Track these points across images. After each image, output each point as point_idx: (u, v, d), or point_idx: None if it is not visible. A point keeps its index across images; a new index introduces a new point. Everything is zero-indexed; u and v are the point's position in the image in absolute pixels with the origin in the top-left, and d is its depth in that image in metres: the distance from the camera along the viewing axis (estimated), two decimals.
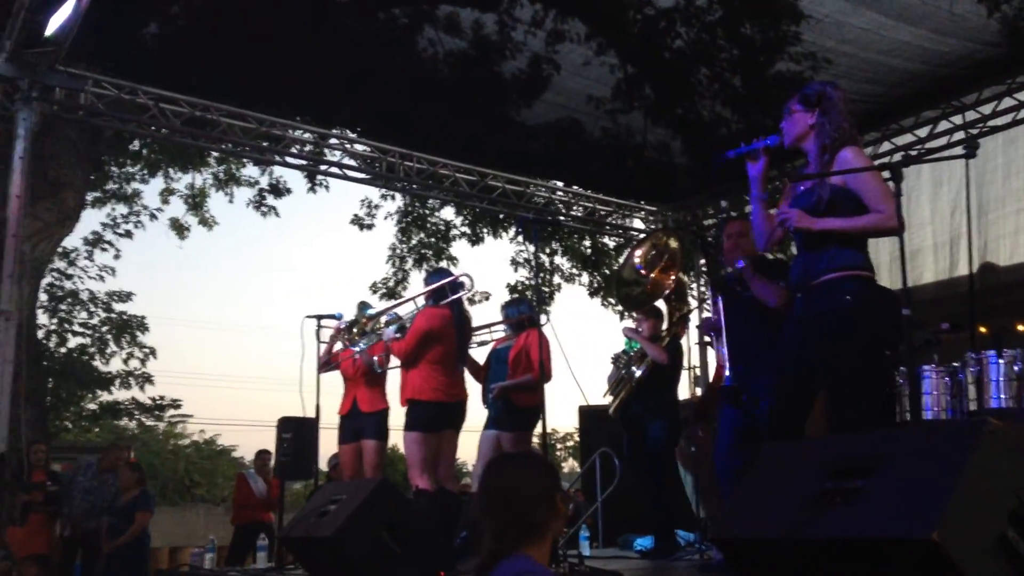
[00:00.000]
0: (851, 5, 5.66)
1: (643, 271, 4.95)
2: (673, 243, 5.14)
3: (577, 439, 18.25)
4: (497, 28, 6.42)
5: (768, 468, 2.58)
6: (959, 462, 2.04)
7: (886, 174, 3.14)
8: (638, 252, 5.14)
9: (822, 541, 2.13)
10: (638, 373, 5.67)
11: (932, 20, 5.70)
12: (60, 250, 12.23)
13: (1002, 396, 4.23)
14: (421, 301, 5.74)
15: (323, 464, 8.22)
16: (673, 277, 4.84)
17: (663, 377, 5.78)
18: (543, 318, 6.00)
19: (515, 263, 12.45)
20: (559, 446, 33.03)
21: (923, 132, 7.08)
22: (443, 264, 12.09)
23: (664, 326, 5.80)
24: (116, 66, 6.70)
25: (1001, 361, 4.25)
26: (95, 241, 13.66)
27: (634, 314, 5.84)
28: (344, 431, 6.21)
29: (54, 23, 5.70)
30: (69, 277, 14.26)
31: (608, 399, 6.02)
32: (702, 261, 9.14)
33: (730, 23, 6.26)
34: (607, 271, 12.30)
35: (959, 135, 6.83)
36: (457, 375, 5.48)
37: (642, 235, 8.32)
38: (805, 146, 3.47)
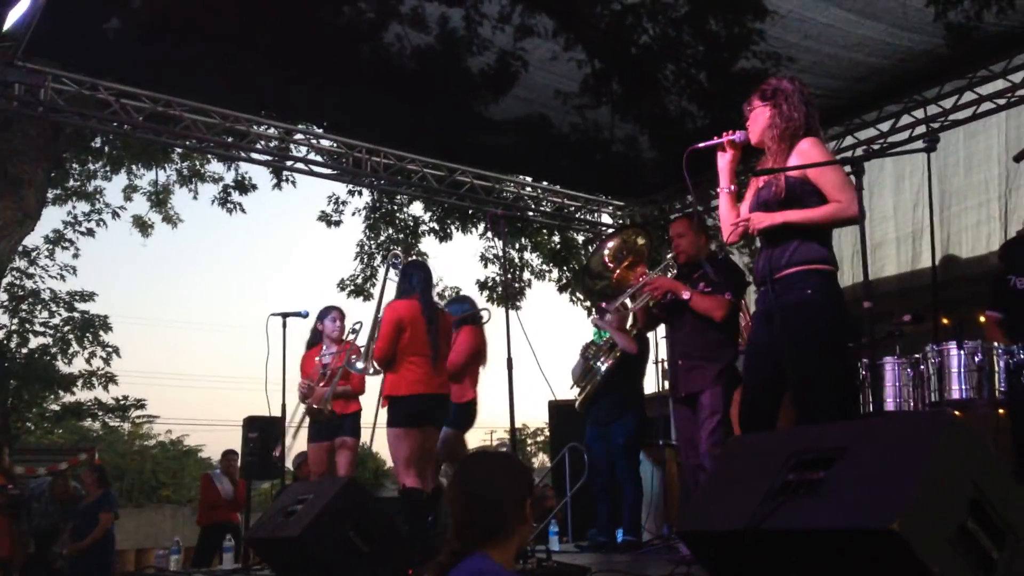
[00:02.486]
0: (814, 1, 5.70)
1: (610, 265, 4.99)
2: (641, 240, 5.19)
3: (547, 434, 18.28)
4: (464, 23, 6.39)
5: (732, 461, 2.59)
6: (919, 453, 2.07)
7: (848, 168, 3.17)
8: (609, 245, 5.18)
9: (785, 532, 2.15)
10: (605, 366, 5.70)
11: (893, 15, 5.76)
12: (20, 249, 12.03)
13: (963, 387, 4.31)
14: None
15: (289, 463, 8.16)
16: (640, 272, 4.90)
17: (630, 369, 5.82)
18: (484, 315, 6.01)
19: (484, 259, 12.43)
20: (529, 441, 33.10)
21: (885, 126, 7.15)
22: (412, 258, 12.07)
23: (629, 321, 5.83)
24: (77, 61, 6.59)
25: (962, 352, 4.32)
26: (56, 240, 13.46)
27: (602, 305, 5.88)
28: (316, 429, 6.16)
29: (12, 17, 5.61)
30: (30, 276, 14.06)
31: (575, 391, 6.04)
32: (669, 255, 9.18)
33: (695, 19, 6.28)
34: (576, 266, 12.31)
35: (921, 129, 6.90)
36: (437, 368, 5.25)
37: (611, 230, 8.34)
38: (767, 141, 3.51)
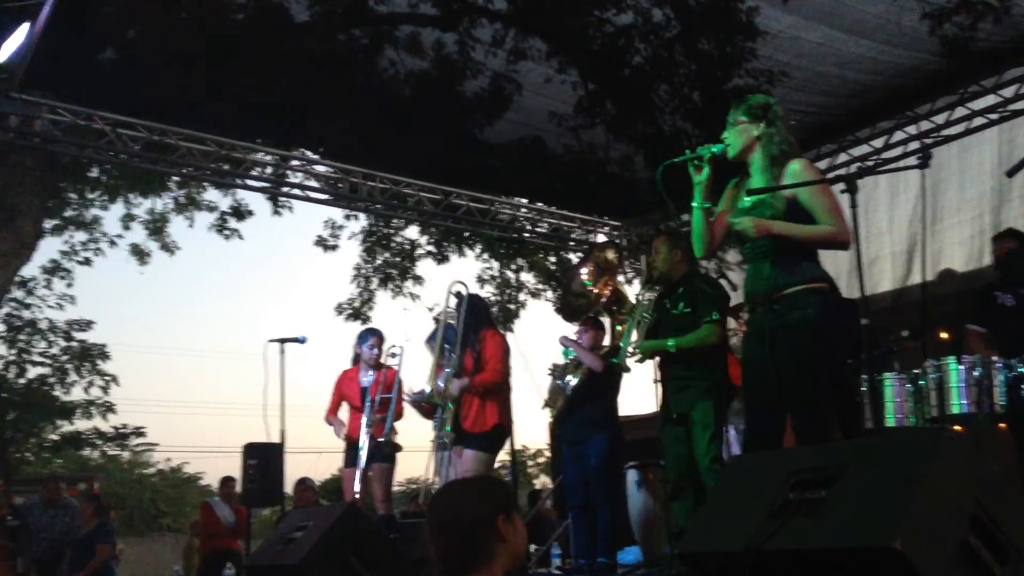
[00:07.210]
0: (804, 20, 5.74)
1: (590, 287, 5.01)
2: (611, 255, 5.21)
3: (548, 455, 18.20)
4: (458, 48, 6.44)
5: (733, 481, 2.59)
6: (920, 470, 2.07)
7: (842, 186, 3.18)
8: (583, 270, 5.22)
9: (786, 552, 2.14)
10: (573, 382, 5.66)
11: (883, 32, 5.80)
12: (18, 279, 12.02)
13: (963, 402, 4.28)
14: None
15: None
16: (610, 287, 4.90)
17: (600, 387, 5.71)
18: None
19: (481, 280, 12.43)
20: (530, 463, 32.96)
21: (879, 143, 7.19)
22: (408, 283, 12.10)
23: (607, 339, 5.81)
24: (73, 92, 6.62)
25: (961, 367, 4.31)
26: (53, 269, 13.45)
27: (576, 325, 5.88)
28: (350, 455, 6.01)
29: (7, 50, 5.62)
30: (27, 307, 14.04)
31: (547, 411, 6.02)
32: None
33: (687, 39, 6.33)
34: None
35: (914, 145, 6.93)
36: None
37: (581, 254, 8.35)
38: (749, 158, 3.51)
